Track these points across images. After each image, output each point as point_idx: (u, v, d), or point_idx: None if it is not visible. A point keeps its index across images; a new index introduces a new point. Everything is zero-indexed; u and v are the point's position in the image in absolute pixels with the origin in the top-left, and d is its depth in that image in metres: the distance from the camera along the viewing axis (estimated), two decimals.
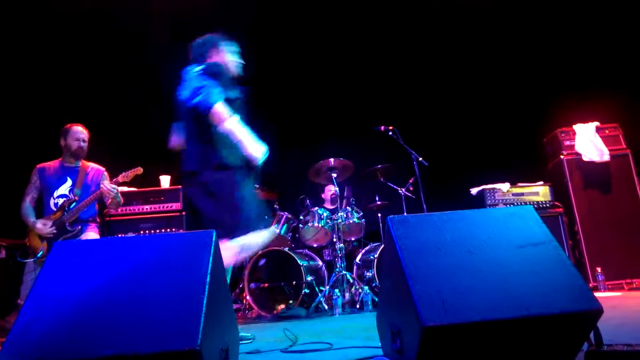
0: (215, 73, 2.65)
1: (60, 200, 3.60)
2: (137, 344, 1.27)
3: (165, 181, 5.18)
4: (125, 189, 5.03)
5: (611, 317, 2.53)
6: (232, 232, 2.53)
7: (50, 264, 1.55)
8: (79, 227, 3.58)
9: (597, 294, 4.09)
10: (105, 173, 3.97)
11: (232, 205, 2.56)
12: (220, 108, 2.51)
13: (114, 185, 3.63)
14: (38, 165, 3.74)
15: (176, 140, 2.96)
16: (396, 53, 6.37)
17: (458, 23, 6.23)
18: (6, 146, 5.52)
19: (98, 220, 3.87)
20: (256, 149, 2.70)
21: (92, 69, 6.07)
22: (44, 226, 3.49)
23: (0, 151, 5.51)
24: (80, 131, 3.78)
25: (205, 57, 2.89)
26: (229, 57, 2.94)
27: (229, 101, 2.61)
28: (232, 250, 2.51)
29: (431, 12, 6.32)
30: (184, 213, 4.95)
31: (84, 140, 3.78)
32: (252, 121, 3.03)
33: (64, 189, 3.66)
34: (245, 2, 6.24)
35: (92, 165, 3.91)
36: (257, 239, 2.64)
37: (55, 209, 3.58)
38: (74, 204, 3.60)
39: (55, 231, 3.49)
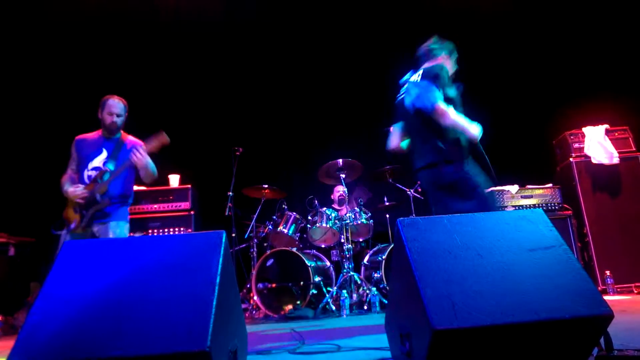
0: (434, 75, 2.90)
1: (93, 173, 3.40)
2: (147, 345, 1.28)
3: (174, 180, 5.21)
4: (134, 187, 5.07)
5: (621, 321, 2.51)
6: None
7: (60, 264, 1.57)
8: (108, 200, 3.36)
9: (606, 298, 4.06)
10: (144, 146, 3.64)
11: (480, 197, 2.76)
12: (441, 105, 2.76)
13: (144, 154, 3.42)
14: (77, 137, 3.57)
15: (395, 140, 3.23)
16: (406, 54, 6.35)
17: (469, 25, 6.20)
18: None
19: (131, 202, 3.66)
20: (475, 129, 2.89)
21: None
22: (75, 189, 3.31)
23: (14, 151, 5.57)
24: (114, 105, 3.54)
25: (426, 61, 3.21)
26: (446, 58, 3.22)
27: (449, 99, 2.87)
28: None
29: (441, 14, 6.31)
30: (192, 212, 4.98)
31: (117, 115, 3.53)
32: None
33: (99, 161, 3.45)
34: (250, 5, 6.27)
35: (130, 137, 3.68)
36: None
37: (88, 182, 3.38)
38: (106, 175, 3.39)
39: (86, 196, 3.29)
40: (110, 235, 3.28)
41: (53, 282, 1.51)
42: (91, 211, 3.29)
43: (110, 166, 3.42)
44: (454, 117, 2.81)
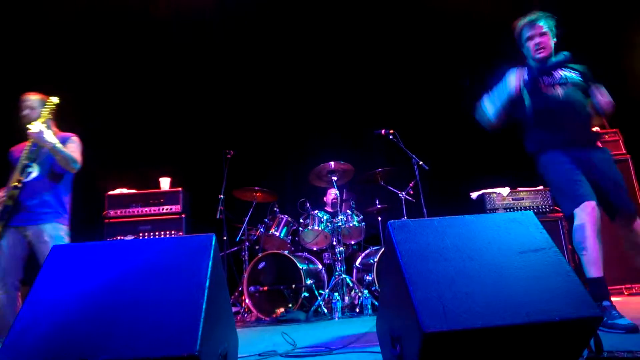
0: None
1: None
2: (135, 349, 1.27)
3: (165, 183, 5.18)
4: (125, 190, 5.04)
5: None
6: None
7: (48, 268, 1.55)
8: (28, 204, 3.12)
9: None
10: (74, 138, 3.41)
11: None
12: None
13: (38, 123, 3.09)
14: (11, 149, 3.39)
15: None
16: (397, 57, 6.38)
17: (458, 28, 6.24)
18: None
19: (66, 215, 3.35)
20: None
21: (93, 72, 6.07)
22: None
23: None
24: (22, 100, 3.34)
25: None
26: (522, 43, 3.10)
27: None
28: None
29: (432, 18, 6.34)
30: (183, 215, 4.95)
31: (26, 108, 3.29)
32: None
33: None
34: (242, 7, 6.27)
35: (61, 134, 3.40)
36: None
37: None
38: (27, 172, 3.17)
39: (3, 198, 3.08)
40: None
41: (41, 286, 1.49)
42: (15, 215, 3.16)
43: (33, 164, 3.23)
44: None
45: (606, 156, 2.84)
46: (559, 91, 2.86)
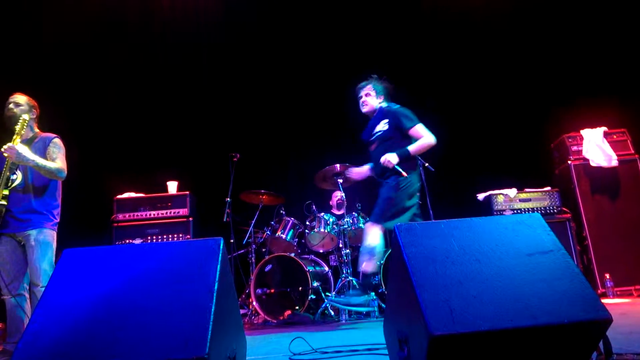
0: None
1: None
2: (145, 352, 1.28)
3: (172, 187, 5.21)
4: (133, 194, 5.08)
5: (621, 324, 2.51)
6: None
7: (59, 272, 1.57)
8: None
9: (605, 301, 4.06)
10: (56, 140, 3.30)
11: None
12: None
13: (9, 145, 2.98)
14: None
15: None
16: (403, 58, 6.37)
17: (466, 28, 6.24)
18: None
19: (54, 220, 3.27)
20: None
21: (101, 74, 6.13)
22: None
23: None
24: (9, 99, 3.27)
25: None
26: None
27: None
28: None
29: (440, 17, 6.34)
30: (190, 219, 4.98)
31: (12, 106, 3.22)
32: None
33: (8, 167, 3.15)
34: (248, 11, 6.30)
35: (42, 135, 3.33)
36: None
37: None
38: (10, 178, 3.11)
39: None
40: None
41: (52, 290, 1.51)
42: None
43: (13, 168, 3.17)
44: None
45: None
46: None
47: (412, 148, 3.53)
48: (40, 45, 5.82)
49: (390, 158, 3.46)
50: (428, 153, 4.65)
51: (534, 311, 1.32)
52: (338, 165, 4.79)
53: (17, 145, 3.02)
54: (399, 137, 3.61)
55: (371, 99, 3.82)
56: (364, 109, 3.84)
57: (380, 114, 3.76)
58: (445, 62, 6.28)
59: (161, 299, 1.43)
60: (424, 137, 3.56)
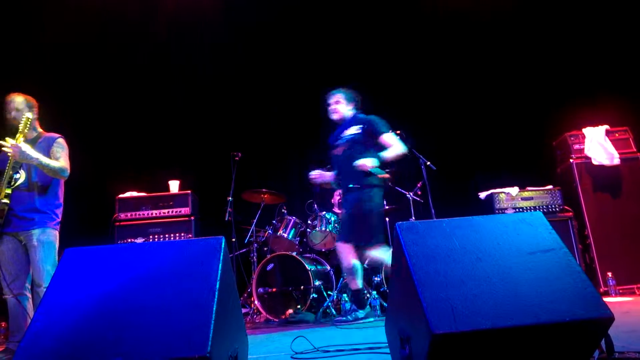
0: None
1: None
2: (147, 351, 1.29)
3: (174, 186, 5.21)
4: (135, 193, 5.09)
5: (623, 323, 2.50)
6: None
7: (61, 271, 1.57)
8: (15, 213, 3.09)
9: (608, 299, 4.05)
10: (59, 140, 3.32)
11: None
12: None
13: (13, 142, 3.00)
14: None
15: None
16: (404, 56, 6.37)
17: (467, 27, 6.22)
18: None
19: (57, 219, 3.27)
20: None
21: (99, 73, 6.14)
22: None
23: None
24: (7, 101, 3.26)
25: None
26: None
27: None
28: None
29: (441, 16, 6.33)
30: (192, 218, 4.99)
31: (12, 111, 3.23)
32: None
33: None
34: (249, 11, 6.30)
35: (46, 134, 3.36)
36: None
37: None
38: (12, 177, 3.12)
39: None
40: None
41: (55, 289, 1.52)
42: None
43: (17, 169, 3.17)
44: None
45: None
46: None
47: (385, 155, 3.62)
48: (43, 44, 5.82)
49: (366, 162, 3.54)
50: (430, 151, 4.68)
51: (535, 310, 1.32)
52: None
53: (21, 143, 3.03)
54: (368, 143, 3.75)
55: (341, 106, 3.98)
56: (334, 116, 4.00)
57: (352, 121, 3.91)
58: (447, 60, 6.27)
59: (163, 298, 1.43)
60: (394, 145, 3.69)
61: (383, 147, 3.69)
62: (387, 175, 3.64)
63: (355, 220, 3.64)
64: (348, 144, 3.79)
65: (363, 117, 3.91)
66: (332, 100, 4.02)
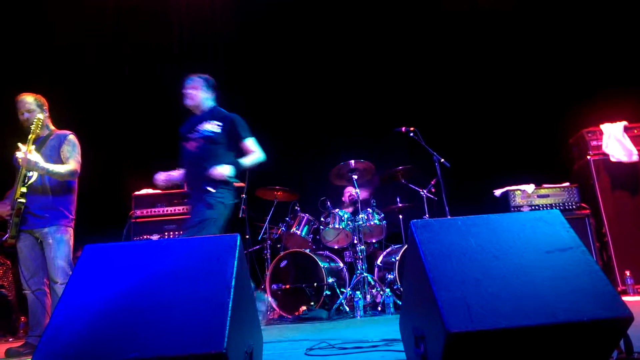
0: None
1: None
2: (164, 347, 1.30)
3: None
4: (150, 190, 5.14)
5: None
6: None
7: (81, 267, 1.60)
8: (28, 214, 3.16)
9: (625, 298, 3.98)
10: (70, 137, 3.38)
11: None
12: None
13: (22, 153, 3.07)
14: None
15: None
16: (418, 54, 6.33)
17: (482, 24, 6.16)
18: None
19: (70, 216, 3.34)
20: None
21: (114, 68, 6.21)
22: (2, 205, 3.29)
23: None
24: (18, 102, 3.31)
25: None
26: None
27: None
28: None
29: (454, 14, 6.27)
30: None
31: (24, 112, 3.28)
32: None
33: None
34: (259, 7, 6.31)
35: (57, 132, 3.41)
36: None
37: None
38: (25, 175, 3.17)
39: (10, 212, 3.16)
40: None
41: (74, 285, 1.54)
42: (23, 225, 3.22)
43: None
44: None
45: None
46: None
47: (244, 161, 3.40)
48: (56, 42, 5.91)
49: (223, 170, 3.22)
50: (444, 148, 4.65)
51: (553, 309, 1.30)
52: (353, 162, 4.78)
53: (31, 154, 3.11)
54: (227, 145, 3.43)
55: (200, 93, 3.58)
56: (189, 102, 3.56)
57: (209, 114, 3.53)
58: (463, 57, 6.21)
59: (179, 295, 1.45)
60: (255, 152, 3.46)
61: (242, 152, 3.43)
62: (242, 184, 3.38)
63: (200, 226, 3.21)
64: (204, 141, 3.38)
65: (225, 114, 3.55)
66: (189, 84, 3.59)
